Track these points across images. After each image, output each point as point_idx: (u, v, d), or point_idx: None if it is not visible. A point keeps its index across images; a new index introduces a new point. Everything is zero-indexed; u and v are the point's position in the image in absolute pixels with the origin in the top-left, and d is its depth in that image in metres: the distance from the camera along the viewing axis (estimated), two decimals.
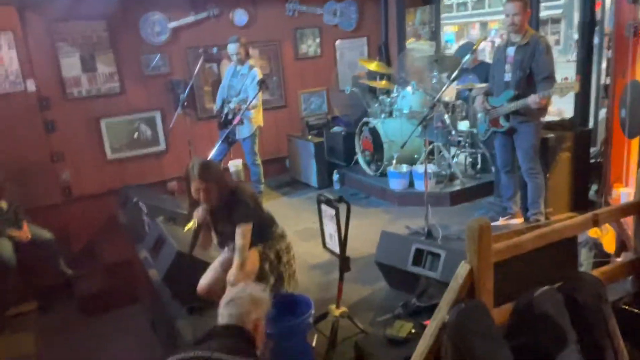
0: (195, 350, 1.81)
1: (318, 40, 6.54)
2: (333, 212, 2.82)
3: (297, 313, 2.72)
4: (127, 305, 4.87)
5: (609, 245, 3.45)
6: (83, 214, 5.46)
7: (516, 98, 3.84)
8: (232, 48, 5.07)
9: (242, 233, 2.80)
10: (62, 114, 5.28)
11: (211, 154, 4.97)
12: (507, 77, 3.95)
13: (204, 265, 3.31)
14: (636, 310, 2.55)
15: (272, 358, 2.57)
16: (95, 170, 5.52)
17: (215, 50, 5.76)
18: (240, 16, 6.00)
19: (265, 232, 2.98)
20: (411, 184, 5.18)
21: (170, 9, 5.64)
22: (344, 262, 2.84)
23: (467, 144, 5.39)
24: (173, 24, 5.67)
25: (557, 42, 25.32)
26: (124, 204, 5.14)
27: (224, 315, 2.03)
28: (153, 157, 5.82)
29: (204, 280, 3.02)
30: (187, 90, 5.13)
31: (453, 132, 5.29)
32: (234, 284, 2.64)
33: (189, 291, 3.31)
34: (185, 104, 5.05)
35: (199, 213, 2.88)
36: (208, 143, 5.40)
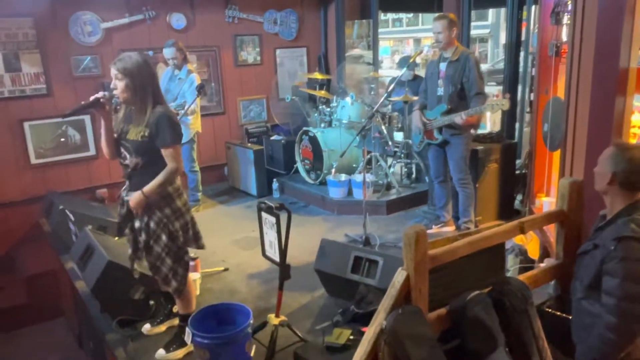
0: None
1: (258, 48, 6.52)
2: (274, 219, 2.80)
3: (236, 323, 2.67)
4: (51, 319, 4.61)
5: (534, 252, 3.66)
6: (3, 221, 5.09)
7: (449, 112, 4.01)
8: (168, 53, 4.95)
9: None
10: None
11: None
12: (440, 91, 4.12)
13: (137, 277, 3.19)
14: (558, 313, 2.70)
15: None
16: (17, 175, 5.17)
17: (151, 53, 5.59)
18: (177, 20, 5.87)
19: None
20: (350, 193, 5.26)
21: (104, 9, 5.41)
22: (285, 270, 2.82)
23: (402, 155, 5.56)
24: (106, 25, 5.45)
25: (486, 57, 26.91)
26: (49, 212, 4.83)
27: None
28: (82, 162, 5.54)
29: None
30: None
31: (389, 143, 5.44)
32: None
33: (120, 303, 3.18)
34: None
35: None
36: None
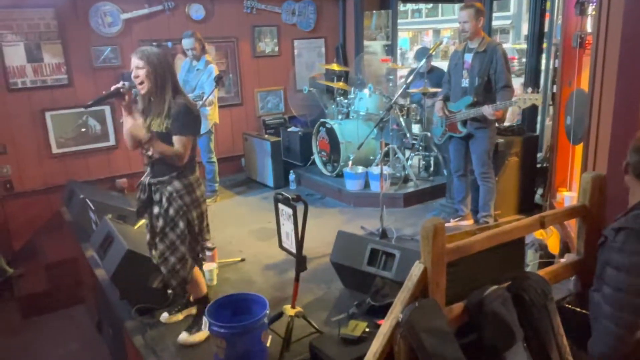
0: None
1: (276, 39, 6.50)
2: (290, 211, 2.80)
3: (252, 313, 2.68)
4: (71, 305, 4.68)
5: (554, 247, 3.60)
6: (25, 210, 5.20)
7: (474, 104, 3.93)
8: (186, 43, 4.97)
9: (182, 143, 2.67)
10: (3, 104, 5.00)
11: None
12: (465, 82, 4.03)
13: (155, 265, 3.22)
14: (578, 309, 2.66)
15: (226, 358, 2.53)
16: (39, 164, 5.27)
17: (169, 44, 5.62)
18: (196, 10, 5.89)
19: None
20: (367, 185, 5.24)
21: None
22: (301, 262, 2.83)
23: (420, 147, 5.51)
24: (126, 16, 5.49)
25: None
26: (69, 201, 4.92)
27: None
28: (102, 152, 5.61)
29: None
30: None
31: (407, 135, 5.40)
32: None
33: (139, 291, 3.22)
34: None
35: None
36: None
